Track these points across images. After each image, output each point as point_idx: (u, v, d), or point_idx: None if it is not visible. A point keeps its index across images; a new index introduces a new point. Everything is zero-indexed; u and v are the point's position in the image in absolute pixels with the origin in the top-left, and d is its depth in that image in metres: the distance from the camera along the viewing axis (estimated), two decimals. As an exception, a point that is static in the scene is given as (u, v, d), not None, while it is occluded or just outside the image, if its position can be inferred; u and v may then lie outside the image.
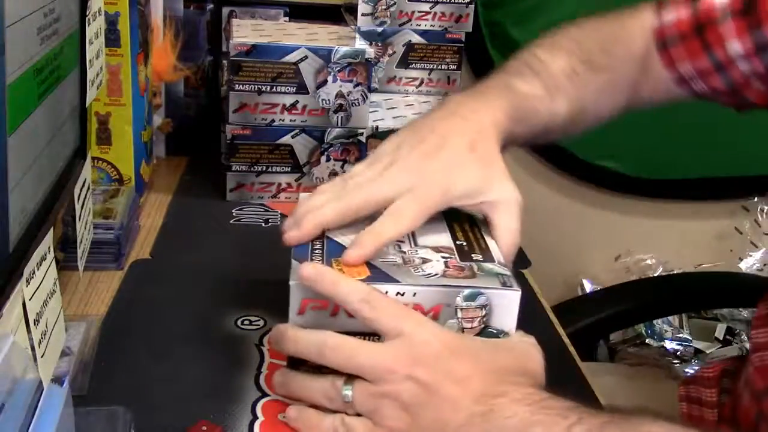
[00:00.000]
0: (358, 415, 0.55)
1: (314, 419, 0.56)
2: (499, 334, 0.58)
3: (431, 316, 0.56)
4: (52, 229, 0.52)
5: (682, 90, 0.77)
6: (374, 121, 1.01)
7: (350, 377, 0.55)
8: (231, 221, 0.94)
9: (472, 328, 0.57)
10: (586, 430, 0.49)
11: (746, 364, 0.76)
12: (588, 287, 1.61)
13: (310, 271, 0.55)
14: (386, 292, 0.56)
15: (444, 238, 0.63)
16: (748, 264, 1.60)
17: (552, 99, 0.71)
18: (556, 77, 0.72)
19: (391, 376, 0.53)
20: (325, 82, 0.95)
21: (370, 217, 0.62)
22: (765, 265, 1.60)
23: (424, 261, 0.59)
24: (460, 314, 0.57)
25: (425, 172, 0.61)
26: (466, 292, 0.56)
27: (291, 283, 0.57)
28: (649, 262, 1.62)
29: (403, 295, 0.56)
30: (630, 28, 0.77)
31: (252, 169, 0.97)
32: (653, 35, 0.75)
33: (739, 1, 0.70)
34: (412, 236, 0.63)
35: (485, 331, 0.57)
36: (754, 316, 0.78)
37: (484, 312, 0.57)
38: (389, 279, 0.57)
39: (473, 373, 0.53)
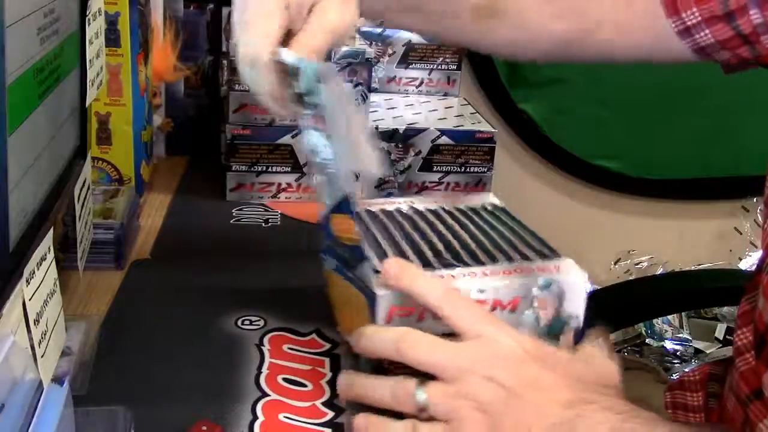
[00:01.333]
0: (430, 419, 0.53)
1: (382, 427, 0.54)
2: (569, 319, 0.59)
3: (510, 308, 0.58)
4: (52, 229, 0.52)
5: (683, 41, 0.68)
6: (374, 121, 1.01)
7: (423, 380, 0.53)
8: (231, 221, 0.94)
9: (545, 315, 0.59)
10: None
11: (731, 369, 0.75)
12: (588, 287, 1.61)
13: (394, 268, 0.55)
14: (469, 291, 0.57)
15: None
16: (748, 264, 1.60)
17: None
18: None
19: (469, 377, 0.52)
20: (325, 82, 0.95)
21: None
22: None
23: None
24: (535, 303, 0.58)
25: None
26: (541, 281, 0.58)
27: (378, 293, 0.56)
28: (649, 262, 1.62)
29: (483, 291, 0.57)
30: None
31: (252, 169, 0.97)
32: None
33: None
34: None
35: (556, 318, 0.59)
36: (738, 314, 0.76)
37: (557, 300, 0.59)
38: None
39: (557, 382, 0.53)
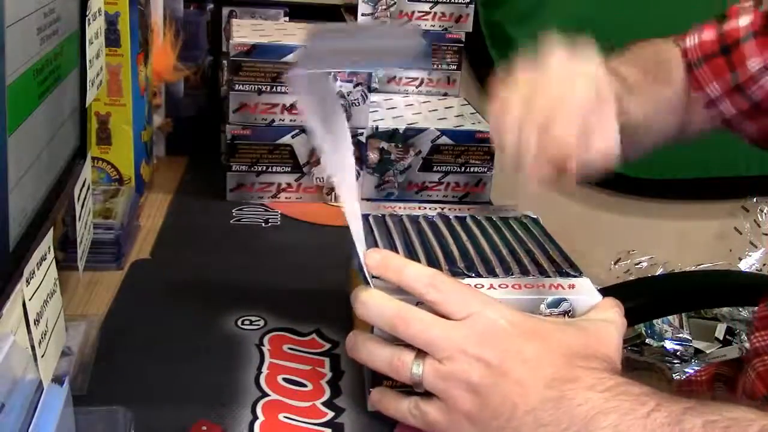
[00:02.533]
0: (427, 392, 0.54)
1: (393, 402, 0.56)
2: None
3: None
4: (52, 229, 0.52)
5: (711, 112, 0.77)
6: (374, 121, 1.01)
7: (419, 353, 0.54)
8: (231, 221, 0.94)
9: None
10: (665, 416, 0.48)
11: (744, 370, 0.75)
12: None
13: (375, 259, 0.56)
14: None
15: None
16: (748, 264, 1.61)
17: (628, 97, 0.71)
18: (627, 81, 0.72)
19: (460, 356, 0.52)
20: (325, 82, 0.95)
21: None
22: (764, 265, 1.60)
23: None
24: None
25: None
26: (550, 299, 0.57)
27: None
28: (649, 262, 1.62)
29: None
30: (668, 52, 0.78)
31: (252, 169, 0.97)
32: (681, 57, 0.76)
33: (760, 22, 0.71)
34: None
35: None
36: (756, 318, 0.77)
37: (566, 318, 0.58)
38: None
39: (542, 355, 0.52)
